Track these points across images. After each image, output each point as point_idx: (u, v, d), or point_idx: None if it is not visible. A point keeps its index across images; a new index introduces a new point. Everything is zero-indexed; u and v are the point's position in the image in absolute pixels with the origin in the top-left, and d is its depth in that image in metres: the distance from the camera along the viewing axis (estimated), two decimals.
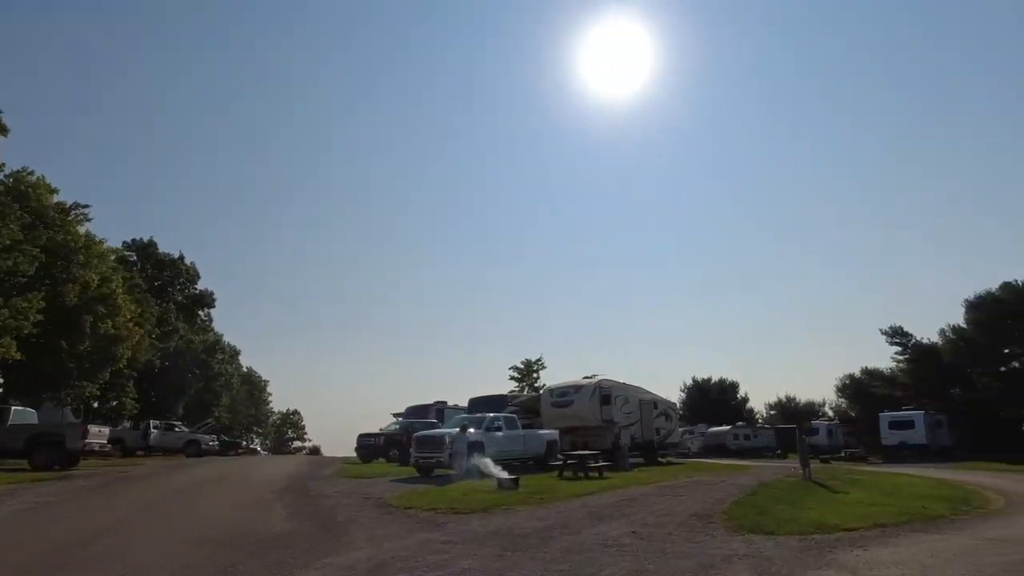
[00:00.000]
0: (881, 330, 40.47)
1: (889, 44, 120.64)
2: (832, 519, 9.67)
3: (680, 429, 64.39)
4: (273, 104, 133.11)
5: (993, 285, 35.75)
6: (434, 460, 16.47)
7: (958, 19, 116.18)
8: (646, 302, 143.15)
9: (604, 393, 25.19)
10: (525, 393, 37.38)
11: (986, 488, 16.19)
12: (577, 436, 25.77)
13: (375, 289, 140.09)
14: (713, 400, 65.18)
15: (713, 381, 67.77)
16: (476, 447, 16.68)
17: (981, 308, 35.80)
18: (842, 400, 49.43)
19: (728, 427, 52.87)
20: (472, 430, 17.18)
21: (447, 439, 16.51)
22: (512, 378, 41.39)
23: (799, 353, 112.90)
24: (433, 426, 23.27)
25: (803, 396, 65.22)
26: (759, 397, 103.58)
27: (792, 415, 58.49)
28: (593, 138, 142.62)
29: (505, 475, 14.07)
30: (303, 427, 75.31)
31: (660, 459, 30.76)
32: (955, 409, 36.45)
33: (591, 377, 26.55)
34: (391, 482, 15.58)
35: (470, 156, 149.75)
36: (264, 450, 67.79)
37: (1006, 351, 35.38)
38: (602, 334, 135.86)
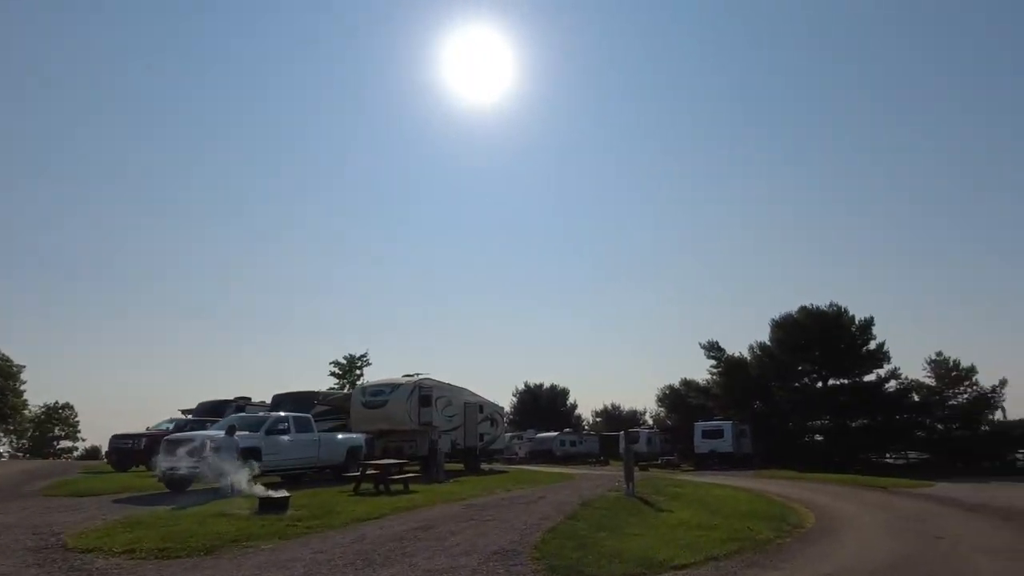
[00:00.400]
0: (700, 344, 42.90)
1: (751, 55, 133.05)
2: (661, 551, 7.94)
3: (508, 434, 64.36)
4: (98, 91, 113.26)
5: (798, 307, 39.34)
6: (184, 471, 12.58)
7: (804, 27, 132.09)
8: (489, 306, 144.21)
9: (424, 393, 22.59)
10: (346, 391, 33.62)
11: (793, 500, 16.12)
12: (391, 441, 22.89)
13: (206, 272, 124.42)
14: (544, 406, 65.79)
15: (545, 387, 68.53)
16: (251, 454, 13.15)
17: (783, 328, 39.11)
18: (661, 409, 51.97)
19: (555, 433, 53.06)
20: (244, 432, 13.57)
21: (207, 443, 12.73)
22: (332, 374, 37.21)
23: (628, 364, 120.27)
24: None
25: (628, 404, 68.33)
26: (588, 404, 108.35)
27: (616, 422, 60.71)
28: (443, 142, 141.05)
29: (272, 492, 10.81)
30: (76, 424, 63.07)
31: (483, 467, 28.93)
32: (757, 419, 39.30)
33: (412, 376, 23.81)
34: (114, 503, 11.58)
35: (321, 153, 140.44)
36: (19, 452, 55.50)
37: (800, 368, 38.90)
38: (439, 336, 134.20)
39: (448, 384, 25.33)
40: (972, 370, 34.97)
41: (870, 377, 36.75)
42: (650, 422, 56.21)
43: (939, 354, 36.24)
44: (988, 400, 33.93)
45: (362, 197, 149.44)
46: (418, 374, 24.45)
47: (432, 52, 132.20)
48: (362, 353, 37.66)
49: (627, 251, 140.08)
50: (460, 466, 24.72)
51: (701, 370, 45.67)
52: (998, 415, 34.92)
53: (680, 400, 47.06)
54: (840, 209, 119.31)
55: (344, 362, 37.37)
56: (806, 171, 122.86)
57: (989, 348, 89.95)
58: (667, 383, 50.07)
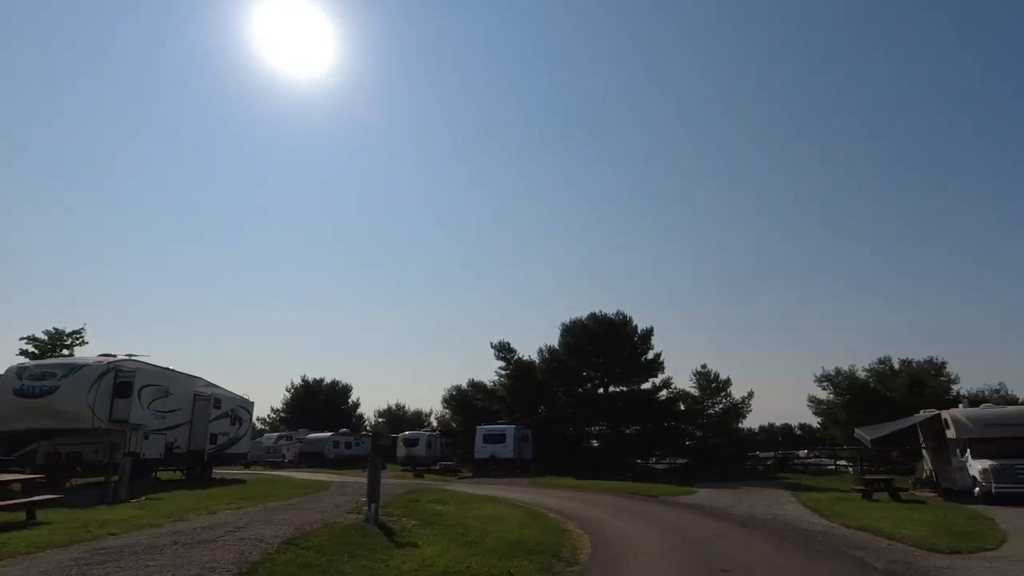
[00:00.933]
0: (491, 344, 41.20)
1: (595, 37, 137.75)
2: None
3: (275, 435, 56.98)
4: None
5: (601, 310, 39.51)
6: None
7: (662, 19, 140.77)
8: (272, 297, 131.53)
9: (123, 380, 16.71)
10: None
11: (568, 518, 13.91)
12: (62, 444, 16.54)
13: None
14: (322, 403, 59.58)
15: (325, 382, 62.25)
16: None
17: (572, 332, 38.98)
18: (447, 411, 49.53)
19: (328, 434, 47.69)
20: None
21: None
22: (24, 352, 27.80)
23: (418, 364, 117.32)
24: None
25: (415, 405, 65.00)
26: (373, 404, 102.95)
27: (401, 423, 56.85)
28: (255, 119, 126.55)
29: None
30: None
31: (217, 475, 23.31)
32: (541, 424, 38.52)
33: (109, 356, 17.61)
34: None
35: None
36: None
37: (584, 373, 39.05)
38: (206, 326, 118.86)
39: (168, 370, 19.43)
40: (727, 382, 37.97)
41: (646, 385, 38.09)
42: (435, 424, 53.42)
43: (703, 367, 38.79)
44: (738, 409, 37.05)
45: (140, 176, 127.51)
46: (127, 356, 18.24)
47: (242, 20, 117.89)
48: (75, 329, 28.78)
49: (427, 251, 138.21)
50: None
51: (492, 372, 44.08)
52: (746, 424, 38.56)
53: (467, 402, 44.95)
54: (624, 226, 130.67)
55: (45, 338, 28.23)
56: (608, 170, 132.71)
57: (743, 362, 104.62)
58: (456, 383, 47.71)
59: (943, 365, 33.02)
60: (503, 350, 41.01)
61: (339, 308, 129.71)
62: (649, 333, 38.15)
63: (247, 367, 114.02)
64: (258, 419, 69.61)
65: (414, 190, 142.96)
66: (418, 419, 58.44)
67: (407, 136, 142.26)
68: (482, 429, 34.24)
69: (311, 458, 46.61)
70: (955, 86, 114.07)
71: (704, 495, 20.38)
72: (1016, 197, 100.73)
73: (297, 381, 61.24)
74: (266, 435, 54.44)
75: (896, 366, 34.82)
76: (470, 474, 33.23)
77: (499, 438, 32.94)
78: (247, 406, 25.04)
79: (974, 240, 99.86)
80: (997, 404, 23.92)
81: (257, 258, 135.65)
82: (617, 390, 38.63)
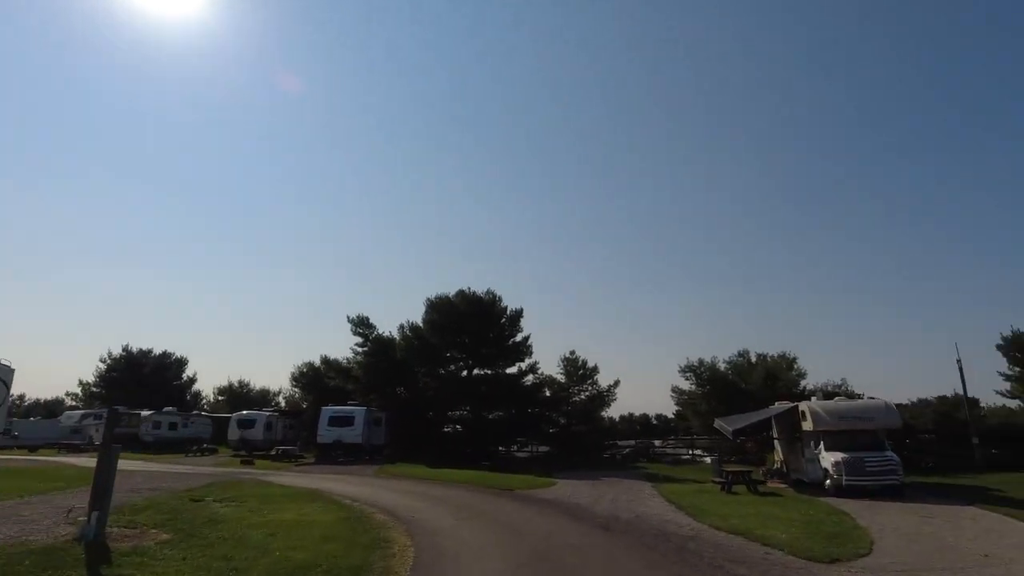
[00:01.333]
0: (348, 317, 37.21)
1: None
2: None
3: (81, 412, 48.61)
4: None
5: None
6: None
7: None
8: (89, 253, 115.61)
9: None
10: None
11: (399, 521, 11.15)
12: None
13: None
14: (148, 378, 51.69)
15: (154, 354, 54.18)
16: None
17: (438, 309, 36.14)
18: (296, 390, 44.64)
19: (149, 412, 41.07)
20: None
21: None
22: None
23: (266, 338, 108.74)
24: None
25: (260, 382, 58.87)
26: (212, 380, 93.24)
27: (244, 403, 50.75)
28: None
29: None
30: None
31: None
32: (399, 407, 35.36)
33: None
34: None
35: None
36: None
37: (448, 354, 36.39)
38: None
39: None
40: (595, 370, 37.18)
41: (512, 370, 36.25)
42: (283, 404, 48.27)
43: (572, 353, 37.68)
44: (604, 398, 36.37)
45: None
46: None
47: None
48: None
49: (282, 218, 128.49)
50: None
51: (348, 350, 40.02)
52: (609, 413, 38.02)
53: (318, 380, 40.60)
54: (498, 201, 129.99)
55: None
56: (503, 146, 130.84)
57: (611, 352, 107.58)
58: (308, 360, 43.05)
59: (794, 360, 34.41)
60: (361, 325, 37.20)
61: (178, 274, 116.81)
62: (519, 315, 36.28)
63: (55, 335, 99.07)
64: (68, 395, 59.62)
65: (272, 153, 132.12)
66: (264, 398, 52.69)
67: (263, 92, 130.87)
68: (327, 411, 30.45)
69: (122, 440, 39.89)
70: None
71: (564, 488, 18.57)
72: (855, 210, 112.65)
73: (117, 351, 52.61)
74: (67, 413, 46.06)
75: (753, 360, 35.85)
76: (312, 460, 29.42)
77: (347, 421, 29.38)
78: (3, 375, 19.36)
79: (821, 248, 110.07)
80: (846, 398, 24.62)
81: (89, 213, 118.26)
82: (482, 373, 36.45)
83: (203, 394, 57.86)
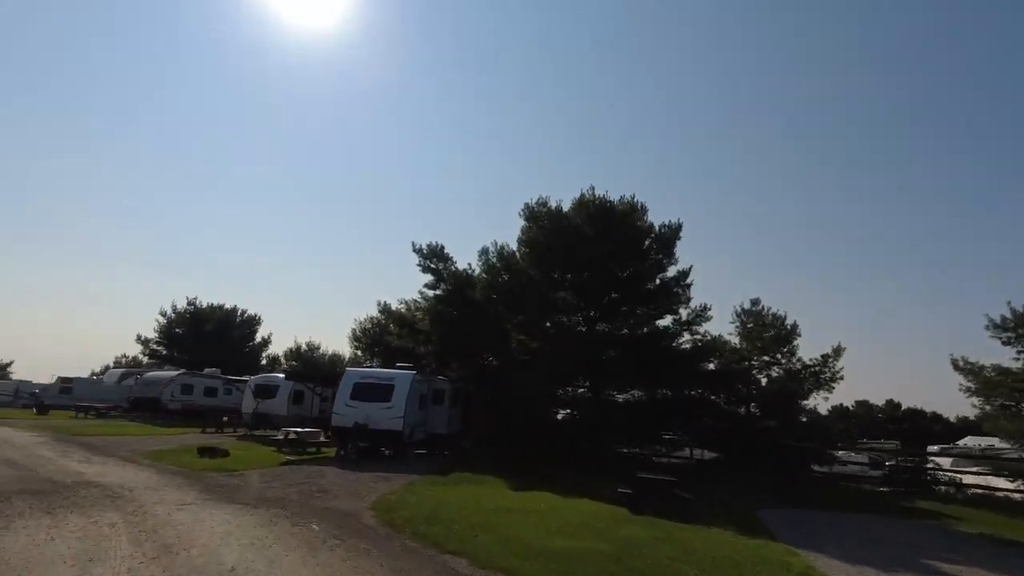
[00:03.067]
0: (414, 246, 25.43)
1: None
2: None
3: (121, 371, 41.69)
4: None
5: None
6: None
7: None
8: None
9: None
10: None
11: None
12: None
13: None
14: (213, 335, 44.07)
15: (224, 308, 46.55)
16: None
17: (542, 224, 23.06)
18: (357, 351, 33.85)
19: (174, 373, 32.51)
20: None
21: None
22: None
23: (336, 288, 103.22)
24: None
25: (332, 345, 49.64)
26: (282, 343, 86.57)
27: (316, 369, 41.34)
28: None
29: None
30: None
31: None
32: (482, 376, 23.24)
33: None
34: None
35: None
36: None
37: (559, 295, 23.53)
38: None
39: None
40: (794, 331, 22.68)
41: (661, 323, 22.53)
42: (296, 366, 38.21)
43: (755, 303, 23.43)
44: (819, 377, 21.76)
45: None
46: None
47: None
48: None
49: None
50: None
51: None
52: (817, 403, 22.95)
53: (380, 338, 29.54)
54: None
55: None
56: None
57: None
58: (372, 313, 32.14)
59: None
60: (432, 257, 25.26)
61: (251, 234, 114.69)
62: (673, 234, 22.33)
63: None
64: (124, 357, 54.51)
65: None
66: (335, 364, 43.11)
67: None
68: (353, 375, 18.58)
69: (144, 406, 31.46)
70: None
71: None
72: None
73: (181, 304, 45.54)
74: (110, 371, 39.45)
75: None
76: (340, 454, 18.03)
77: (379, 392, 17.38)
78: None
79: None
80: None
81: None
82: (607, 329, 23.23)
83: (280, 359, 50.00)
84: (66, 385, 37.58)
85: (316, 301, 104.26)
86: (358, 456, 16.26)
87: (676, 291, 22.48)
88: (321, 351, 45.32)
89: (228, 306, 46.77)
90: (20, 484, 9.35)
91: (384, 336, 30.10)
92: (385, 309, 28.13)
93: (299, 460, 16.31)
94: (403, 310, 27.25)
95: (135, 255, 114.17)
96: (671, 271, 22.52)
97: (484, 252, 23.26)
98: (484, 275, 23.39)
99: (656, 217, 23.40)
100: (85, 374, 41.28)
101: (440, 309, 24.77)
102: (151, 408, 30.52)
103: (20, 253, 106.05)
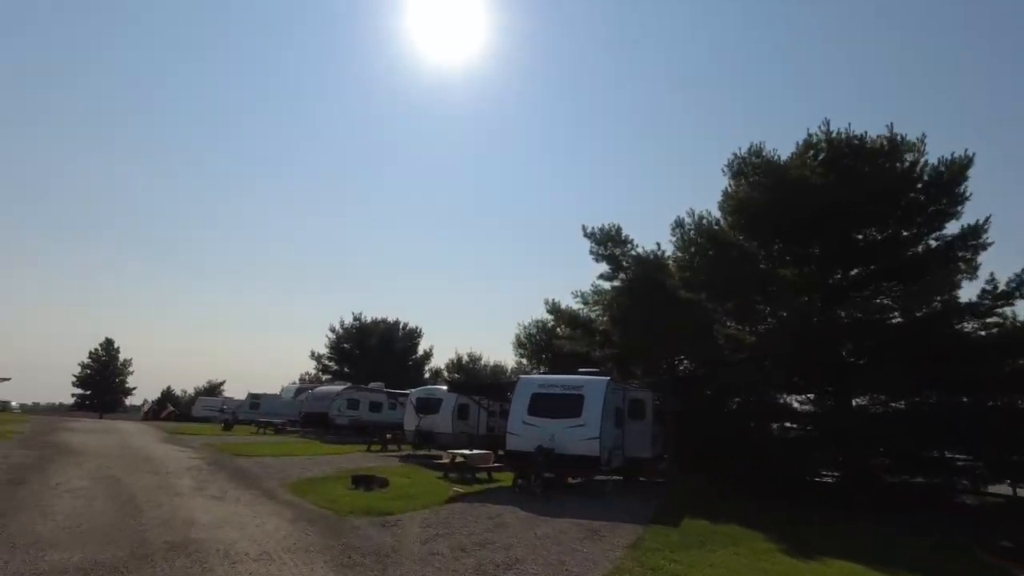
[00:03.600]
0: (585, 230, 21.37)
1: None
2: None
3: (296, 386, 42.25)
4: None
5: None
6: None
7: None
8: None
9: None
10: None
11: None
12: None
13: None
14: (375, 349, 43.69)
15: (387, 322, 46.18)
16: None
17: (755, 178, 17.83)
18: (522, 359, 30.52)
19: (340, 387, 31.46)
20: None
21: None
22: None
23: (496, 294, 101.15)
24: None
25: (493, 355, 47.11)
26: (442, 354, 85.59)
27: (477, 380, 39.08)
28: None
29: None
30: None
31: None
32: (678, 385, 18.46)
33: None
34: None
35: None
36: None
37: (780, 272, 17.96)
38: None
39: None
40: None
41: (937, 300, 16.01)
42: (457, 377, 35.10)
43: None
44: None
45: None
46: None
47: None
48: None
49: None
50: None
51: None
52: None
53: (548, 343, 25.95)
54: None
55: None
56: None
57: None
58: (537, 316, 28.73)
59: None
60: (607, 241, 21.00)
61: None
62: (958, 173, 15.70)
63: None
64: (303, 375, 56.55)
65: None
66: (496, 375, 40.38)
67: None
68: (529, 383, 14.61)
69: (313, 422, 30.74)
70: None
71: None
72: None
73: (348, 320, 45.95)
74: (285, 387, 40.14)
75: None
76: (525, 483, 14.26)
77: (565, 405, 13.26)
78: None
79: None
80: None
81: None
82: (852, 314, 17.10)
83: (441, 371, 48.76)
84: (255, 401, 39.46)
85: (476, 311, 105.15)
86: (543, 490, 12.30)
87: (961, 256, 15.87)
88: (483, 362, 43.02)
89: (391, 319, 46.50)
90: (94, 546, 6.53)
91: (552, 341, 26.45)
92: (554, 308, 24.27)
93: (469, 492, 12.81)
94: (575, 308, 23.22)
95: (313, 275, 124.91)
96: (951, 228, 15.96)
97: (678, 225, 18.33)
98: (679, 254, 18.53)
99: (933, 151, 16.84)
100: (276, 390, 43.27)
101: (621, 302, 20.38)
102: (321, 423, 29.66)
103: (253, 288, 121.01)
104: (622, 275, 21.47)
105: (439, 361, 49.04)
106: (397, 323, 46.30)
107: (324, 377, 46.63)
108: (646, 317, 19.44)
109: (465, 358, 43.42)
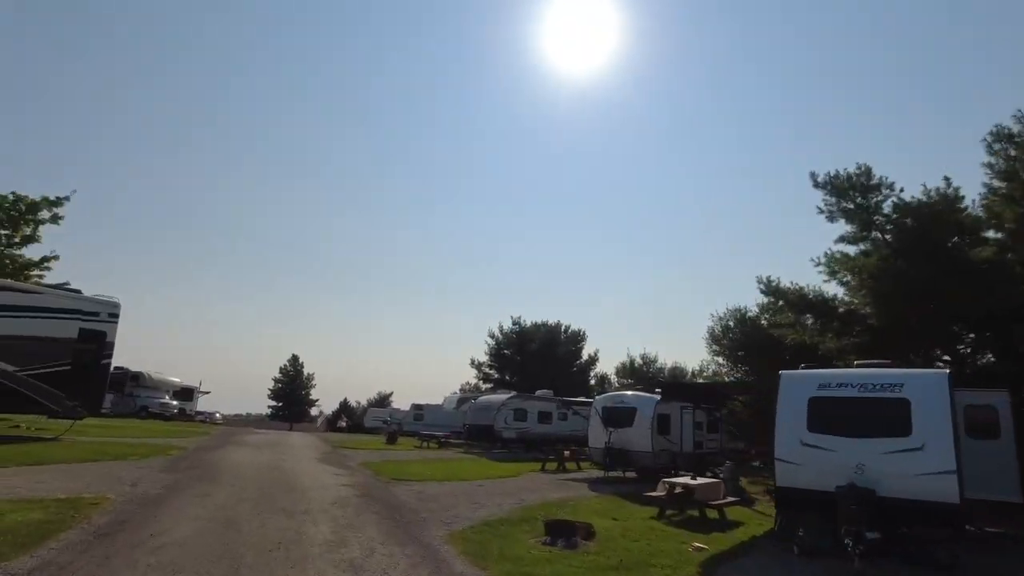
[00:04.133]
0: (813, 178, 15.98)
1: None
2: None
3: (459, 396, 39.84)
4: None
5: None
6: None
7: None
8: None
9: None
10: None
11: None
12: None
13: None
14: (536, 355, 40.29)
15: (547, 325, 42.67)
16: None
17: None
18: (717, 357, 25.11)
19: (504, 396, 28.13)
20: None
21: None
22: None
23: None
24: None
25: (671, 357, 41.31)
26: (610, 359, 78.71)
27: (648, 385, 34.05)
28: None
29: None
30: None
31: None
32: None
33: None
34: None
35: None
36: None
37: None
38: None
39: None
40: None
41: None
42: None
43: None
44: None
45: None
46: None
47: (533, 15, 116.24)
48: None
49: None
50: None
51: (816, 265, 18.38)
52: None
53: (755, 333, 20.45)
54: None
55: None
56: None
57: None
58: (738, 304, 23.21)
59: None
60: (850, 190, 15.32)
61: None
62: None
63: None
64: (464, 384, 54.67)
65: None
66: (675, 378, 34.80)
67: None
68: (803, 380, 9.44)
69: (479, 435, 27.78)
70: None
71: None
72: None
73: (508, 325, 43.15)
74: (447, 397, 38.03)
75: None
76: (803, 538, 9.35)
77: (878, 413, 8.10)
78: None
79: None
80: None
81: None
82: None
83: (609, 377, 44.15)
84: (418, 412, 38.19)
85: (645, 309, 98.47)
86: (862, 561, 7.27)
87: None
88: (658, 364, 37.64)
89: (551, 322, 42.99)
90: None
91: (760, 333, 20.87)
92: (771, 288, 18.68)
93: (716, 550, 8.26)
94: (801, 287, 17.58)
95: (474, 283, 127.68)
96: None
97: (998, 137, 12.17)
98: (996, 183, 12.39)
99: None
100: (438, 400, 42.00)
101: (883, 267, 14.55)
102: (486, 436, 26.64)
103: (420, 303, 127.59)
104: (875, 233, 15.60)
105: (606, 366, 44.56)
106: (559, 325, 42.72)
107: (484, 386, 44.46)
108: (928, 287, 13.54)
109: (638, 360, 38.35)
